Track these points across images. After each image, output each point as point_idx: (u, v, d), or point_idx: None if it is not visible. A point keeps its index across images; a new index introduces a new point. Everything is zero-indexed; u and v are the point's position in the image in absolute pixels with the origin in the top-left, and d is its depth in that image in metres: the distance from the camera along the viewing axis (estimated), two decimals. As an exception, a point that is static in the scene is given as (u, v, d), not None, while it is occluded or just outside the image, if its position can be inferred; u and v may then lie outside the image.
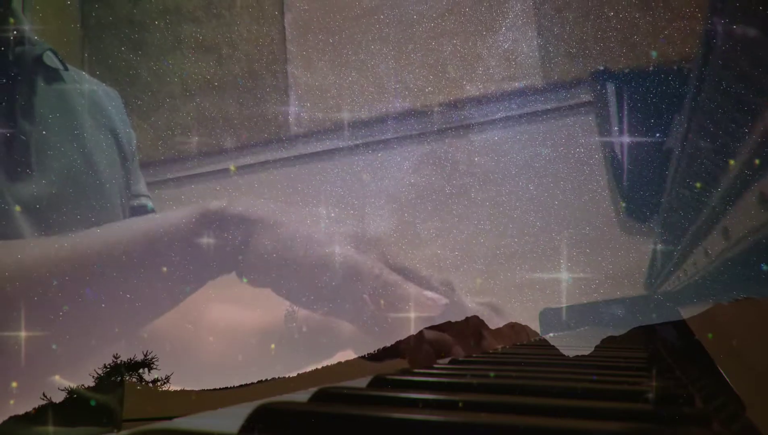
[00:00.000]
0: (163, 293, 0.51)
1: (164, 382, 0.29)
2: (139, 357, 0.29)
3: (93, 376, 0.27)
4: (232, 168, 1.68)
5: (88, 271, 0.48)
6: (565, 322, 1.06)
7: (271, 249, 0.50)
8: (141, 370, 0.28)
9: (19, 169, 0.58)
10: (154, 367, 0.29)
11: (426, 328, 0.49)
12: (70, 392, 0.25)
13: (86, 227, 0.61)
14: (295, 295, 0.51)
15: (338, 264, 0.49)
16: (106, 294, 0.48)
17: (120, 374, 0.28)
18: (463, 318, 0.52)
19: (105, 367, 0.28)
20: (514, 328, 0.57)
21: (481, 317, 0.57)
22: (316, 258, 0.49)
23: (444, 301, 0.49)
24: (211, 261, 0.51)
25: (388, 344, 0.45)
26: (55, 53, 0.67)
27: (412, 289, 0.49)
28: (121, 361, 0.28)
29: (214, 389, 0.30)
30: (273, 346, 0.62)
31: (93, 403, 0.25)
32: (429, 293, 0.49)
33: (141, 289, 0.50)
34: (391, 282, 0.49)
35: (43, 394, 0.25)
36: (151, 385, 0.28)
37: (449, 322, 0.50)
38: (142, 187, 0.78)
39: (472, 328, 0.51)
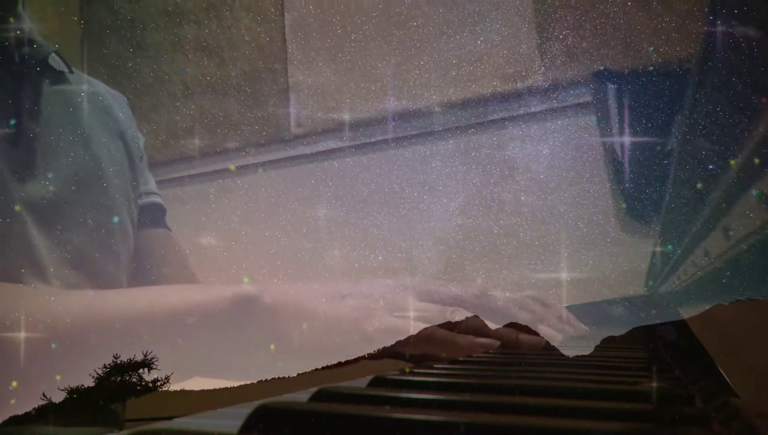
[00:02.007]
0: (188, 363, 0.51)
1: (164, 382, 0.29)
2: (139, 357, 0.29)
3: (93, 377, 0.27)
4: (231, 168, 1.68)
5: (110, 333, 0.48)
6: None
7: (306, 339, 0.51)
8: (141, 370, 0.28)
9: (24, 169, 0.58)
10: (154, 367, 0.29)
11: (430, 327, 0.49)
12: (70, 392, 0.25)
13: (91, 228, 0.61)
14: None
15: (380, 335, 0.50)
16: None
17: (120, 374, 0.28)
18: (463, 318, 0.52)
19: (105, 367, 0.28)
20: (514, 328, 0.57)
21: (527, 310, 0.58)
22: (351, 336, 0.51)
23: (497, 343, 0.50)
24: (240, 343, 0.52)
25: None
26: (60, 55, 0.67)
27: (463, 340, 0.50)
28: (121, 361, 0.28)
29: (214, 389, 0.30)
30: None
31: (94, 403, 0.25)
32: (481, 340, 0.50)
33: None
34: (443, 338, 0.50)
35: (43, 394, 0.25)
36: (151, 385, 0.28)
37: (449, 322, 0.50)
38: (151, 186, 0.78)
39: (472, 328, 0.51)
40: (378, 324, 0.51)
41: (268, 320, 0.52)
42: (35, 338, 0.45)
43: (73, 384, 0.26)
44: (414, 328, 0.50)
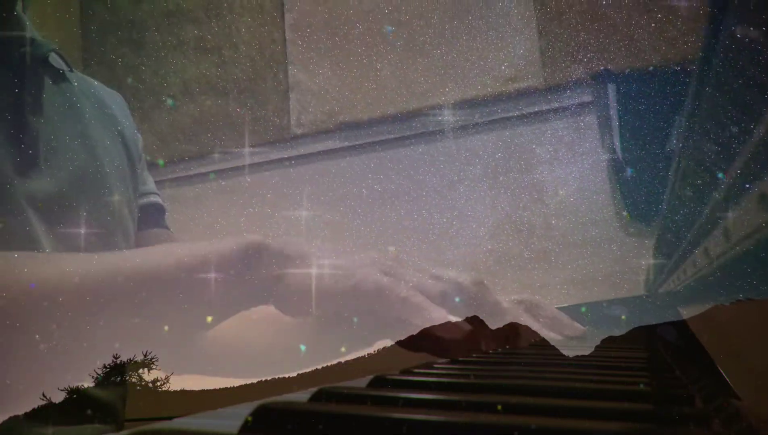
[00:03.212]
0: (195, 321, 0.52)
1: (164, 382, 0.29)
2: (139, 357, 0.29)
3: (93, 376, 0.27)
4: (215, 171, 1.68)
5: (122, 294, 0.48)
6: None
7: (304, 282, 0.52)
8: (141, 370, 0.28)
9: (28, 167, 0.58)
10: (154, 367, 0.29)
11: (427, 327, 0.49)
12: (70, 392, 0.25)
13: (94, 226, 0.62)
14: (327, 321, 0.53)
15: (367, 290, 0.51)
16: (137, 317, 0.48)
17: (120, 374, 0.28)
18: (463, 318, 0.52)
19: (105, 367, 0.28)
20: (514, 328, 0.57)
21: (516, 315, 0.58)
22: (347, 287, 0.52)
23: (468, 327, 0.50)
24: (248, 292, 0.52)
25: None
26: (60, 54, 0.67)
27: (437, 312, 0.50)
28: (121, 361, 0.28)
29: (214, 389, 0.30)
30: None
31: (95, 403, 0.25)
32: (454, 319, 0.50)
33: (173, 317, 0.50)
34: (418, 304, 0.50)
35: (43, 394, 0.25)
36: (151, 385, 0.28)
37: (449, 322, 0.50)
38: (151, 186, 0.78)
39: (472, 328, 0.51)
40: (373, 279, 0.52)
41: (275, 263, 0.52)
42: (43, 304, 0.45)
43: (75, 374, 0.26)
44: (405, 289, 0.51)
